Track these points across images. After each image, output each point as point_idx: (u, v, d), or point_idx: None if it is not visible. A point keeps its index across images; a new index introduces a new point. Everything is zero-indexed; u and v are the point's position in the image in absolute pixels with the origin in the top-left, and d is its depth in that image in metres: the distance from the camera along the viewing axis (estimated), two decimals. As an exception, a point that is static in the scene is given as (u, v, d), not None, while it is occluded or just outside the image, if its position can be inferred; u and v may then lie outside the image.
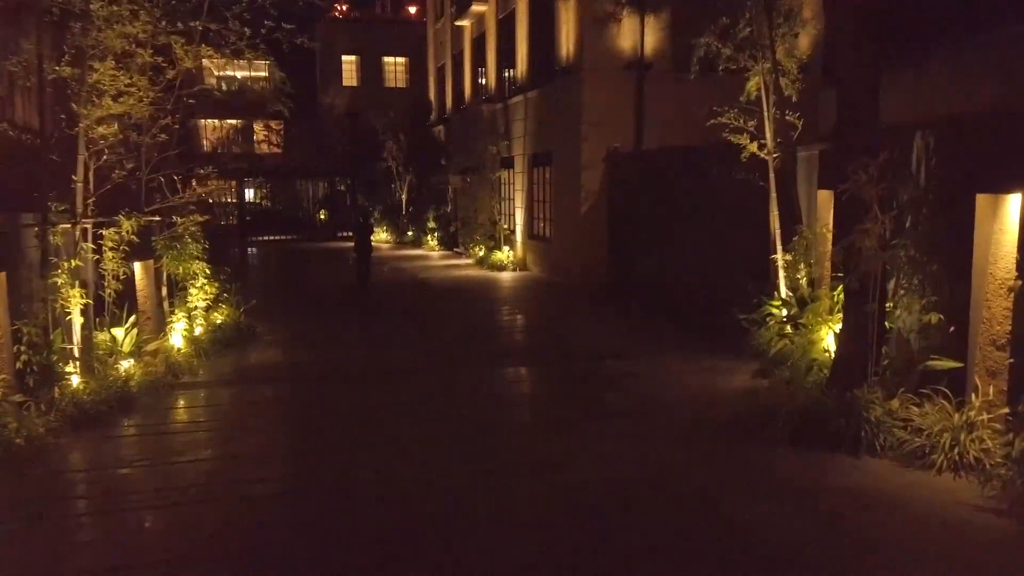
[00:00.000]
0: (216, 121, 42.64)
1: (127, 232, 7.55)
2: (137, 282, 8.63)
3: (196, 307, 10.02)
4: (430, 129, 27.97)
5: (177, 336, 9.40)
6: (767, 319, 8.87)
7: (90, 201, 7.51)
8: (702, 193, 11.51)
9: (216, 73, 42.58)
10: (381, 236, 28.52)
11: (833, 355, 7.00)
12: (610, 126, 14.80)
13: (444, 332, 11.63)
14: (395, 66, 40.30)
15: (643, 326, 11.57)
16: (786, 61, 9.23)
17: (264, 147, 41.80)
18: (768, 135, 9.20)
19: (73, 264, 7.15)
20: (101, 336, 7.92)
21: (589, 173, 15.02)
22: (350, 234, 18.69)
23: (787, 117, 9.00)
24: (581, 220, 15.18)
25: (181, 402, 8.01)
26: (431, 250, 24.72)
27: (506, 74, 20.09)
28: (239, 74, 44.34)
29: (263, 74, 44.03)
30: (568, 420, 7.06)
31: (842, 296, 7.11)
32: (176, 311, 9.53)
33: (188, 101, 8.86)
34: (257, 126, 41.87)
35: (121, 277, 7.69)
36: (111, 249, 7.53)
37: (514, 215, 19.55)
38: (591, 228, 15.07)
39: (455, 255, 22.74)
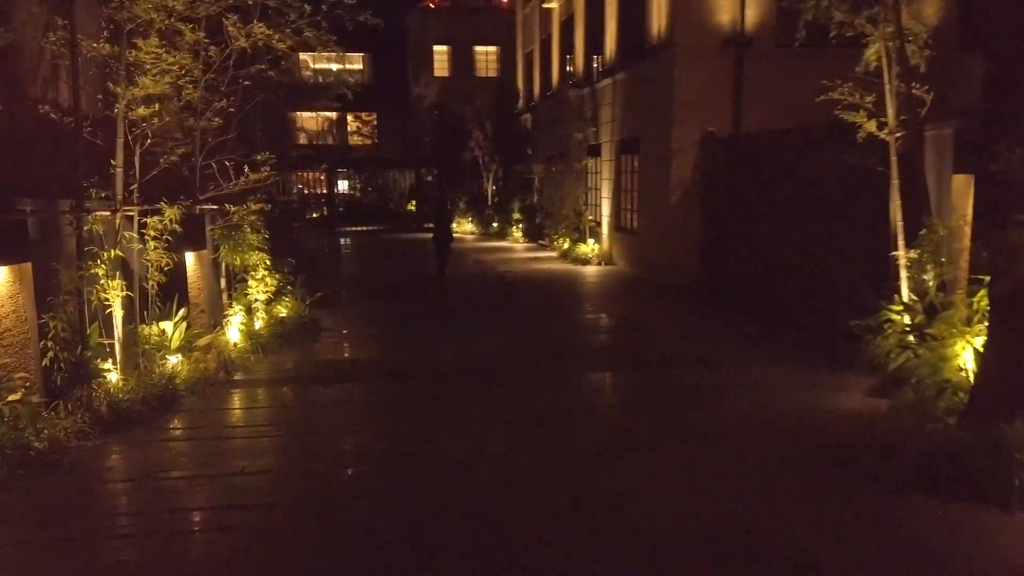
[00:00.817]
0: (312, 114, 43.66)
1: (170, 221, 7.06)
2: (189, 273, 8.21)
3: (256, 300, 9.58)
4: (517, 118, 27.19)
5: (234, 330, 8.96)
6: (885, 326, 7.59)
7: (134, 187, 7.07)
8: (809, 181, 10.21)
9: (312, 65, 43.57)
10: (466, 227, 28.02)
11: (973, 377, 5.73)
12: (704, 108, 13.56)
13: (518, 331, 10.79)
14: (486, 55, 39.91)
15: (737, 329, 10.39)
16: (913, 24, 7.87)
17: (356, 139, 42.32)
18: (889, 111, 7.86)
19: (113, 254, 6.71)
20: (148, 330, 7.50)
21: (680, 160, 13.82)
22: (431, 225, 18.04)
23: (913, 90, 7.66)
24: (671, 211, 14.02)
25: (231, 402, 7.52)
26: (515, 242, 23.96)
27: (594, 57, 19.02)
28: (333, 66, 45.29)
29: (358, 66, 44.80)
30: (641, 442, 6.07)
31: (985, 304, 5.83)
32: (233, 304, 9.09)
33: (243, 83, 8.35)
34: (350, 118, 42.43)
35: (165, 268, 7.21)
36: (154, 239, 7.07)
37: (600, 206, 18.51)
38: (682, 220, 13.89)
39: (539, 247, 21.90)
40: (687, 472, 5.38)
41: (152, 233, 7.06)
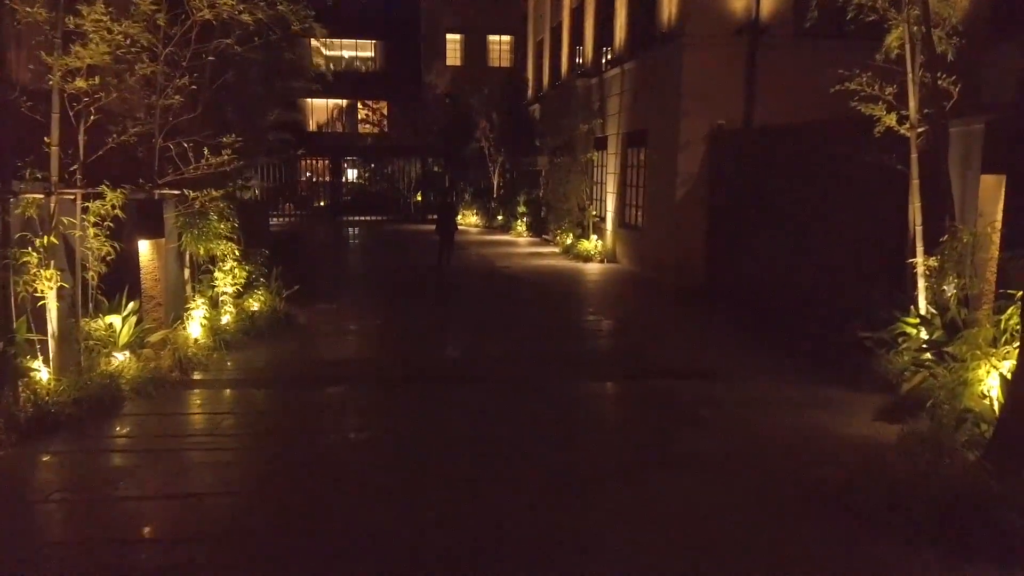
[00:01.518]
0: (323, 101, 43.32)
1: (111, 206, 6.44)
2: (144, 264, 7.59)
3: (224, 292, 8.98)
4: (526, 108, 26.45)
5: (195, 326, 8.36)
6: (899, 341, 6.89)
7: (74, 168, 6.45)
8: (823, 179, 9.47)
9: (325, 52, 43.20)
10: (471, 220, 27.35)
11: (998, 407, 5.01)
12: (714, 100, 12.81)
13: (506, 333, 10.11)
14: (500, 45, 39.36)
15: (742, 337, 9.67)
16: (941, 7, 7.12)
17: (367, 127, 41.80)
18: (911, 104, 7.14)
19: (46, 241, 6.11)
20: (92, 325, 6.89)
21: (687, 154, 13.09)
22: (435, 216, 17.72)
23: (939, 81, 6.92)
24: (676, 208, 13.29)
25: (180, 405, 6.88)
26: (519, 236, 23.27)
27: (604, 46, 18.27)
28: (345, 53, 44.90)
29: (369, 54, 44.34)
30: (622, 468, 5.39)
31: (1015, 323, 5.11)
32: (196, 297, 8.49)
33: (207, 59, 7.72)
34: (360, 106, 41.97)
35: (108, 257, 6.60)
36: (94, 225, 6.45)
37: (605, 201, 17.78)
38: (687, 218, 13.17)
39: (543, 242, 21.22)
40: (668, 510, 4.70)
41: (92, 219, 6.44)
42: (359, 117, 42.20)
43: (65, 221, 6.38)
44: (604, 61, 18.16)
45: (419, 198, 32.66)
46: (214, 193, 7.78)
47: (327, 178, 34.75)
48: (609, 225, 17.32)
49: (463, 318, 11.18)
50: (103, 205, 6.44)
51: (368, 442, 6.06)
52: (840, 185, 8.97)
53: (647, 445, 5.88)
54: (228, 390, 7.39)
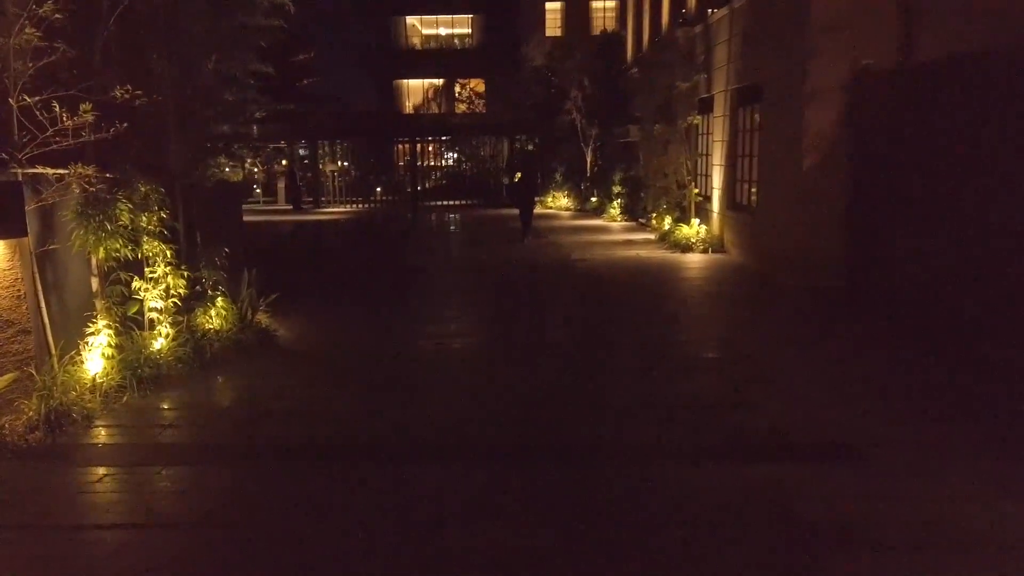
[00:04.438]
0: (418, 82, 41.72)
1: None
2: (-10, 276, 5.21)
3: (152, 308, 6.57)
4: (624, 73, 23.11)
5: (95, 358, 5.96)
6: None
7: None
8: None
9: (422, 31, 41.54)
10: (561, 203, 24.41)
11: None
12: (855, 32, 9.30)
13: (574, 366, 7.11)
14: (604, 12, 36.28)
15: (906, 371, 6.34)
16: None
17: (462, 106, 39.70)
18: None
19: None
20: None
21: (818, 107, 9.62)
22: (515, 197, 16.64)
23: None
24: (803, 182, 9.87)
25: (11, 506, 4.38)
26: (612, 220, 20.08)
27: (710, -16, 14.81)
28: (442, 30, 43.16)
29: (466, 30, 42.26)
30: None
31: None
32: (98, 318, 6.08)
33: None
34: (457, 86, 39.98)
35: None
36: None
37: (711, 176, 14.38)
38: (819, 195, 9.72)
39: (639, 227, 18.02)
40: None
41: None
42: (455, 96, 40.11)
43: None
44: (709, 4, 14.70)
45: (508, 181, 30.03)
46: (83, 169, 5.29)
47: (426, 161, 32.68)
48: (715, 206, 13.93)
49: (517, 340, 8.29)
50: None
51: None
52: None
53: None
54: (117, 468, 4.82)
